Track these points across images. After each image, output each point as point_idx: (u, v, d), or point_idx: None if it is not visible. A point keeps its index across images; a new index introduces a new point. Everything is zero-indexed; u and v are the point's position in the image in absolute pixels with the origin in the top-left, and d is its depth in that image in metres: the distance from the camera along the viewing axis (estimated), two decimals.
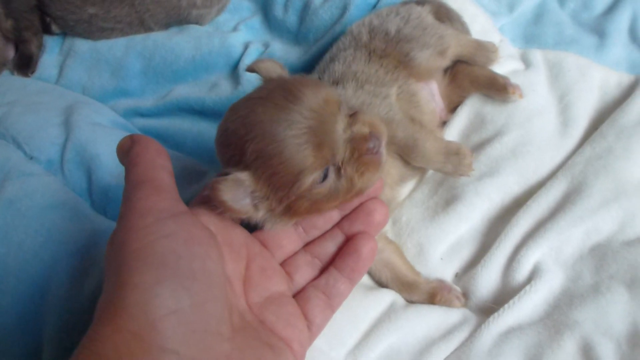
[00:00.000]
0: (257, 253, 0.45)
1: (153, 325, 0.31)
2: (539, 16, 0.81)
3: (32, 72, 0.88)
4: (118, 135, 0.70)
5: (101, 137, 0.71)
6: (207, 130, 0.79)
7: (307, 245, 0.48)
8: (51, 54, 0.90)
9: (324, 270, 0.47)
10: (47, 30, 0.91)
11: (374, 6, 0.77)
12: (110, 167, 0.68)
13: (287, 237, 0.47)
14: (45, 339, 0.54)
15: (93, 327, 0.32)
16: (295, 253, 0.47)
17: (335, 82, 0.60)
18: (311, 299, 0.45)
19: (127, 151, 0.40)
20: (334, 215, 0.48)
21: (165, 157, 0.41)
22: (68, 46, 0.89)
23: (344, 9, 0.77)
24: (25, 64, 0.88)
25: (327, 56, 0.66)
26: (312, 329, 0.44)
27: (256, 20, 0.89)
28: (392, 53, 0.61)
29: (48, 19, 0.89)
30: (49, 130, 0.73)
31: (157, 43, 0.85)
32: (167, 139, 0.78)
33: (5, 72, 0.89)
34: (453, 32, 0.66)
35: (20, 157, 0.69)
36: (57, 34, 0.91)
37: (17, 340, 0.55)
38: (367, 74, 0.60)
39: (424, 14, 0.66)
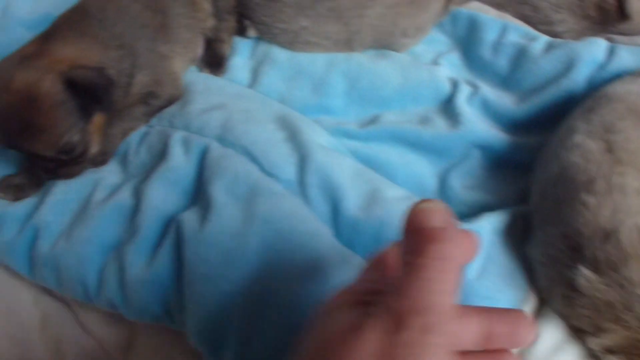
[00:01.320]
0: None
1: None
2: None
3: (224, 72, 0.85)
4: (349, 164, 0.70)
5: (336, 163, 0.70)
6: (416, 162, 0.78)
7: None
8: (241, 56, 0.88)
9: None
10: (240, 33, 0.88)
11: (602, 65, 0.78)
12: (354, 198, 0.67)
13: None
14: None
15: None
16: None
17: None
18: None
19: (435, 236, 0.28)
20: None
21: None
22: (263, 52, 0.87)
23: (570, 65, 0.78)
24: (218, 63, 0.85)
25: (595, 119, 0.66)
26: None
27: (455, 56, 0.89)
28: None
29: (246, 22, 0.86)
30: (279, 146, 0.71)
31: (363, 65, 0.84)
32: (377, 167, 0.77)
33: (191, 68, 0.86)
34: None
35: (259, 172, 0.67)
36: (250, 38, 0.88)
37: None
38: None
39: None
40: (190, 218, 0.63)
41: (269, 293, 0.56)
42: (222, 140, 0.71)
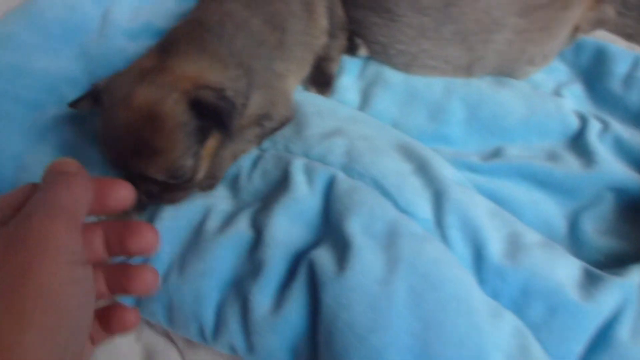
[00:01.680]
0: None
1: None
2: None
3: (331, 92, 0.80)
4: (483, 202, 0.64)
5: (472, 201, 0.64)
6: (544, 201, 0.72)
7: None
8: (349, 76, 0.82)
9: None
10: (349, 51, 0.82)
11: None
12: (496, 242, 0.61)
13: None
14: None
15: None
16: None
17: None
18: None
19: (58, 170, 0.37)
20: None
21: (90, 196, 0.36)
22: (373, 73, 0.81)
23: None
24: (326, 83, 0.80)
25: None
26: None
27: (578, 88, 0.83)
28: None
29: (358, 41, 0.81)
30: (410, 179, 0.65)
31: (483, 93, 0.78)
32: (502, 205, 0.71)
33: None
34: None
35: (394, 208, 0.61)
36: (359, 57, 0.83)
37: None
38: None
39: None
40: (325, 258, 0.57)
41: (429, 355, 0.50)
42: (348, 170, 0.65)
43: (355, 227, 0.58)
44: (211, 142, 0.63)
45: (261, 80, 0.69)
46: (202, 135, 0.60)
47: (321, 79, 0.80)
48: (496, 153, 0.75)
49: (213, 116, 0.58)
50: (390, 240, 0.57)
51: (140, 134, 0.56)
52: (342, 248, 0.57)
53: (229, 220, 0.65)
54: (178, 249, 0.63)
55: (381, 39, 0.78)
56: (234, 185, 0.69)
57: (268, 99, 0.69)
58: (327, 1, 0.78)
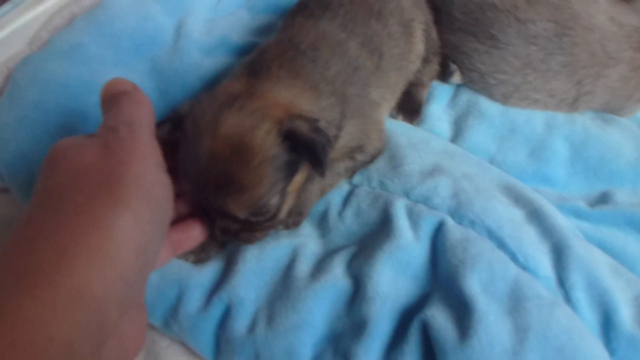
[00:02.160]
0: None
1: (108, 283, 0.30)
2: None
3: (419, 121, 0.73)
4: (602, 257, 0.58)
5: (593, 257, 0.57)
6: None
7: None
8: (438, 104, 0.76)
9: None
10: (441, 77, 0.76)
11: None
12: (625, 306, 0.54)
13: None
14: None
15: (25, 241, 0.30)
16: None
17: None
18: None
19: (115, 90, 0.41)
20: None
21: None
22: (467, 102, 0.75)
23: None
24: (415, 111, 0.73)
25: None
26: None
27: None
28: None
29: (453, 67, 0.74)
30: (526, 229, 0.58)
31: (589, 131, 0.72)
32: (613, 257, 0.64)
33: None
34: None
35: (514, 265, 0.55)
36: (450, 84, 0.76)
37: None
38: None
39: None
40: (442, 321, 0.50)
41: None
42: (458, 216, 0.58)
43: (474, 287, 0.52)
44: (299, 178, 0.55)
45: (355, 110, 0.62)
46: (290, 171, 0.53)
47: (410, 106, 0.73)
48: (603, 198, 0.68)
49: (306, 150, 0.51)
50: (515, 304, 0.51)
51: (226, 166, 0.48)
52: (462, 311, 0.51)
53: (320, 264, 0.58)
54: (264, 295, 0.57)
55: (480, 67, 0.71)
56: (322, 223, 0.63)
57: (362, 130, 0.63)
58: (424, 24, 0.71)
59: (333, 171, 0.63)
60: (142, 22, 0.72)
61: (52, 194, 0.32)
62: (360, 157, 0.63)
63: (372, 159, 0.65)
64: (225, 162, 0.48)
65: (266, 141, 0.49)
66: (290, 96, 0.54)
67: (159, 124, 0.54)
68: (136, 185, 0.33)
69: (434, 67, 0.74)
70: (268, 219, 0.54)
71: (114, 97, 0.40)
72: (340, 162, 0.63)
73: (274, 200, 0.52)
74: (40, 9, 0.73)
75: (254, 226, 0.54)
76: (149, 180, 0.34)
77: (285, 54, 0.58)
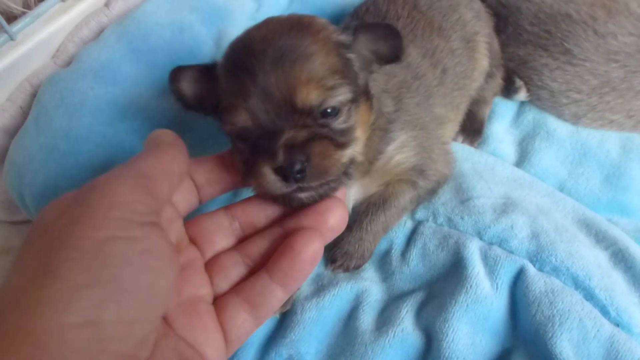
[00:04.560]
0: (182, 248, 0.39)
1: (61, 333, 0.27)
2: None
3: (480, 141, 0.67)
4: None
5: None
6: None
7: (240, 243, 0.41)
8: (501, 122, 0.69)
9: (253, 272, 0.39)
10: (504, 93, 0.69)
11: None
12: None
13: (220, 232, 0.41)
14: None
15: None
16: (224, 251, 0.41)
17: None
18: (229, 307, 0.38)
19: (153, 140, 0.37)
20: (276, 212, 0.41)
21: (182, 166, 0.36)
22: (533, 121, 0.68)
23: None
24: (477, 130, 0.67)
25: None
26: (229, 343, 0.38)
27: None
28: None
29: (519, 83, 0.67)
30: (613, 276, 0.53)
31: None
32: None
33: None
34: None
35: (606, 320, 0.49)
36: (513, 100, 0.70)
37: None
38: None
39: None
40: None
41: None
42: (539, 262, 0.53)
43: (565, 348, 0.47)
44: (363, 107, 0.45)
45: (414, 120, 0.56)
46: (362, 74, 0.45)
47: (471, 126, 0.67)
48: None
49: (379, 31, 0.44)
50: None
51: (287, 40, 0.40)
52: None
53: (386, 313, 0.53)
54: (325, 348, 0.52)
55: (551, 84, 0.65)
56: (384, 265, 0.57)
57: (422, 145, 0.56)
58: (487, 37, 0.65)
59: (394, 205, 0.57)
60: (178, 34, 0.65)
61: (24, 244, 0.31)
62: (422, 183, 0.57)
63: (436, 186, 0.59)
64: (289, 31, 0.41)
65: (327, 26, 0.44)
66: None
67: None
68: (76, 250, 0.29)
69: (497, 81, 0.67)
70: (342, 131, 0.43)
71: (146, 147, 0.37)
72: (404, 193, 0.56)
73: (344, 97, 0.42)
74: (64, 20, 0.66)
75: (324, 140, 0.41)
76: (98, 240, 0.29)
77: None
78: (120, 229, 0.30)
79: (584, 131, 0.67)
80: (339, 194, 0.41)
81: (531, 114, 0.69)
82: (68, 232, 0.29)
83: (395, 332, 0.51)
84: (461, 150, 0.65)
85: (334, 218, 0.39)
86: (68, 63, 0.66)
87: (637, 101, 0.63)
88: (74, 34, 0.67)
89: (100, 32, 0.67)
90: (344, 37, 0.43)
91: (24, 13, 0.65)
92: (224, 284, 0.39)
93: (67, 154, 0.58)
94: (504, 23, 0.68)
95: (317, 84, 0.39)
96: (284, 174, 0.38)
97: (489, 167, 0.63)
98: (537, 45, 0.64)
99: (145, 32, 0.64)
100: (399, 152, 0.54)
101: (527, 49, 0.65)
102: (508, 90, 0.68)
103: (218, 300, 0.39)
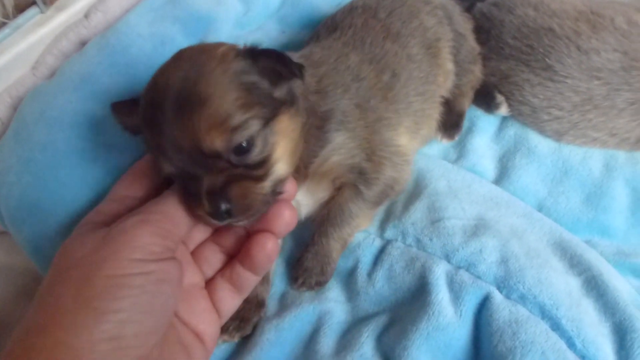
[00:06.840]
0: None
1: (92, 346, 0.35)
2: None
3: (458, 135, 0.66)
4: None
5: None
6: None
7: (212, 235, 0.50)
8: (482, 136, 0.68)
9: (228, 260, 0.49)
10: (486, 107, 0.68)
11: None
12: None
13: (197, 227, 0.46)
14: None
15: (28, 331, 0.37)
16: (202, 243, 0.49)
17: None
18: (218, 290, 0.48)
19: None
20: None
21: None
22: (514, 137, 0.67)
23: None
24: (455, 123, 0.66)
25: None
26: (222, 319, 0.48)
27: None
28: None
29: (500, 98, 0.66)
30: (583, 304, 0.52)
31: None
32: None
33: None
34: None
35: (570, 352, 0.48)
36: (495, 115, 0.68)
37: None
38: None
39: None
40: None
41: None
42: (507, 288, 0.51)
43: None
44: (286, 118, 0.46)
45: (354, 120, 0.54)
46: (269, 100, 0.44)
47: (449, 119, 0.66)
48: None
49: (267, 56, 0.44)
50: None
51: (184, 84, 0.41)
52: None
53: (347, 337, 0.52)
54: None
55: (532, 100, 0.63)
56: (350, 285, 0.56)
57: (363, 148, 0.54)
58: (453, 40, 0.63)
59: (345, 213, 0.56)
60: (159, 47, 0.64)
61: (44, 285, 0.39)
62: (364, 188, 0.55)
63: (388, 190, 0.57)
64: (183, 79, 0.41)
65: (226, 55, 0.44)
66: None
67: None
68: (105, 283, 0.37)
69: (475, 75, 0.67)
70: (258, 163, 0.43)
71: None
72: (347, 201, 0.55)
73: (253, 129, 0.42)
74: (44, 31, 0.66)
75: (241, 181, 0.42)
76: (120, 275, 0.37)
77: None
78: (139, 267, 0.38)
79: (566, 148, 0.65)
80: (288, 187, 0.47)
81: (513, 129, 0.67)
82: (96, 269, 0.37)
83: (353, 357, 0.50)
84: (438, 167, 0.63)
85: (282, 220, 0.46)
86: (47, 75, 0.66)
87: (620, 119, 0.61)
88: (53, 46, 0.66)
89: (79, 44, 0.67)
90: (243, 64, 0.43)
91: (3, 24, 0.65)
92: (209, 271, 0.48)
93: (44, 167, 0.58)
94: (487, 36, 0.66)
95: (218, 129, 0.40)
96: (213, 216, 0.42)
97: (466, 185, 0.61)
98: (519, 60, 0.63)
99: (126, 45, 0.63)
100: (335, 153, 0.53)
101: (509, 63, 0.64)
102: (489, 105, 0.66)
103: (207, 285, 0.48)
